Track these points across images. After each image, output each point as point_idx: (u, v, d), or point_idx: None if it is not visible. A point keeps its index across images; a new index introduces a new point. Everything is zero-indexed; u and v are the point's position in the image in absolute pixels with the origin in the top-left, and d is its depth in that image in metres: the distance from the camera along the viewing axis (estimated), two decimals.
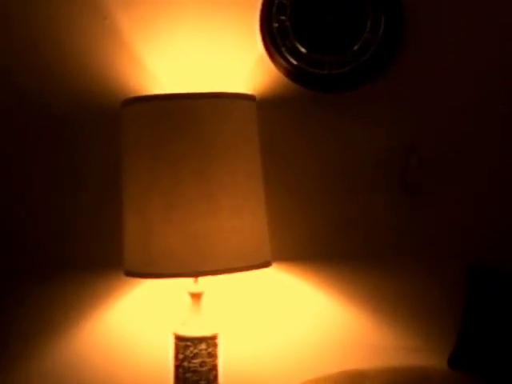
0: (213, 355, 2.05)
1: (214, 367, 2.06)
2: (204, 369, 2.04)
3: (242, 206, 1.95)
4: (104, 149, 2.26)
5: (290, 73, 2.21)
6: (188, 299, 2.05)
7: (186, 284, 2.06)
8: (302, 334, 2.23)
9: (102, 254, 2.26)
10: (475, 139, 2.19)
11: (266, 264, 2.02)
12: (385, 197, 2.22)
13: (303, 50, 2.18)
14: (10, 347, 2.26)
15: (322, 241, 2.23)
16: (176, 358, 2.05)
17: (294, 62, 2.19)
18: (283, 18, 2.19)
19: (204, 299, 2.06)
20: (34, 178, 2.28)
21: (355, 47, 2.17)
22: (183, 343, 2.03)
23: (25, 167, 2.28)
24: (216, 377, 2.06)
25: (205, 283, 2.05)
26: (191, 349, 2.03)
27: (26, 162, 2.28)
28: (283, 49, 2.19)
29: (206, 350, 2.03)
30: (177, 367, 2.05)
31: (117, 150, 2.07)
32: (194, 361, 2.03)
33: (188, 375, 2.03)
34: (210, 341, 2.05)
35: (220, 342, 2.08)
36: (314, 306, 2.23)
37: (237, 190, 1.95)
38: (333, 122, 2.22)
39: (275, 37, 2.19)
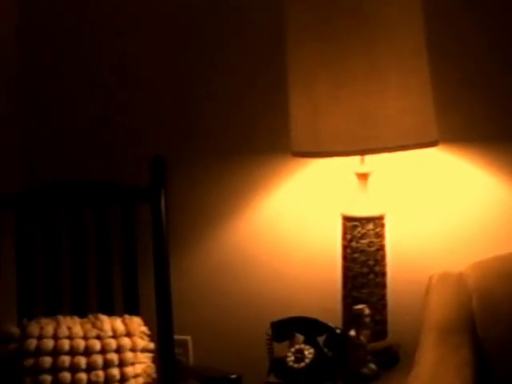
0: (380, 235, 2.06)
1: (382, 247, 2.07)
2: (372, 249, 2.05)
3: (408, 84, 1.92)
4: (267, 30, 2.26)
5: None
6: (355, 180, 2.06)
7: (352, 164, 2.06)
8: (468, 216, 2.19)
9: (269, 136, 2.29)
10: None
11: (433, 143, 1.99)
12: None
13: None
14: (183, 224, 2.38)
15: (490, 122, 2.15)
16: (344, 238, 2.07)
17: None
18: None
19: (371, 180, 2.05)
20: (205, 67, 2.37)
21: None
22: (351, 223, 2.05)
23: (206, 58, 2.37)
24: (383, 257, 2.08)
25: (371, 163, 2.05)
26: (359, 229, 2.04)
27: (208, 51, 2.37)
28: None
29: (373, 230, 2.05)
30: (345, 247, 2.07)
31: (280, 32, 2.06)
32: (362, 241, 2.04)
33: (356, 255, 2.05)
34: (378, 221, 2.05)
35: (386, 222, 2.08)
36: (480, 187, 2.18)
37: (403, 68, 1.92)
38: None
39: None
